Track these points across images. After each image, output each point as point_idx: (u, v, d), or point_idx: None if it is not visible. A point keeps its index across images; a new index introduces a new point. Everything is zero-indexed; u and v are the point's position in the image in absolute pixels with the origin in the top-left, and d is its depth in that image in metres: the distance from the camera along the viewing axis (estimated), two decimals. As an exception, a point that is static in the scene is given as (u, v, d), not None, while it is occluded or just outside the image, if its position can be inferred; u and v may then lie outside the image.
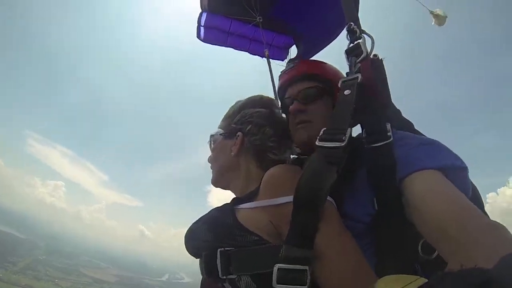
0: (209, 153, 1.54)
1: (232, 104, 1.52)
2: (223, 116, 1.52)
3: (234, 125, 1.41)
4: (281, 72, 1.56)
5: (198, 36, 2.98)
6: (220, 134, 1.46)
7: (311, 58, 2.41)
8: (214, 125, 1.52)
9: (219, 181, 1.47)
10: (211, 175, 1.48)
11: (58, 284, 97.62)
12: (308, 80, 1.42)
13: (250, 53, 3.15)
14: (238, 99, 1.53)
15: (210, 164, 1.51)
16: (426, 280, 0.66)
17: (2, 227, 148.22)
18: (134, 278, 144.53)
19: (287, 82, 1.48)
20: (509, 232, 0.74)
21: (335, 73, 1.43)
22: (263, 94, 1.52)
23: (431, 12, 2.77)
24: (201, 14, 2.86)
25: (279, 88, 1.53)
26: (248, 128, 1.38)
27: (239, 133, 1.38)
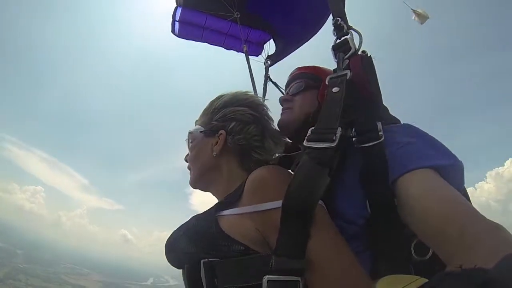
0: (186, 152, 1.45)
1: (213, 99, 1.42)
2: (202, 111, 1.43)
3: (215, 122, 1.34)
4: None
5: (173, 31, 2.97)
6: (200, 132, 1.36)
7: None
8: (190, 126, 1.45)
9: (198, 182, 1.37)
10: (190, 176, 1.39)
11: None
12: (301, 78, 1.50)
13: (226, 48, 3.14)
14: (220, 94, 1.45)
15: (187, 164, 1.42)
16: (427, 280, 0.65)
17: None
18: (118, 283, 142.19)
19: (287, 83, 1.60)
20: (508, 232, 0.73)
21: (325, 71, 1.46)
22: (248, 91, 1.46)
23: (414, 11, 2.76)
24: (176, 9, 2.85)
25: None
26: (231, 126, 1.30)
27: (221, 131, 1.30)
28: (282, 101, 1.50)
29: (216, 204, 1.13)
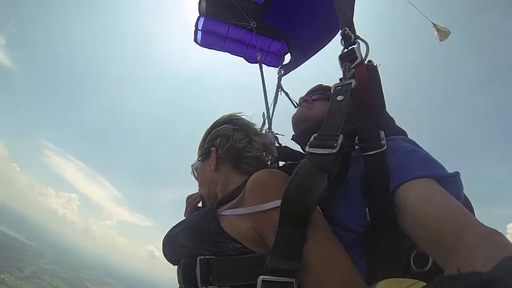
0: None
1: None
2: (197, 151, 1.60)
3: (206, 145, 1.47)
4: None
5: (195, 40, 2.99)
6: (198, 160, 1.53)
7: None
8: None
9: (213, 201, 1.37)
10: (206, 203, 1.51)
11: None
12: (321, 90, 1.63)
13: (246, 59, 3.14)
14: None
15: (202, 193, 1.54)
16: (425, 284, 0.66)
17: (10, 232, 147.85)
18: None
19: (308, 92, 1.69)
20: (505, 237, 0.74)
21: None
22: (225, 114, 1.60)
23: (434, 25, 2.69)
24: (198, 18, 2.89)
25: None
26: (218, 141, 1.42)
27: (212, 148, 1.42)
28: (302, 100, 1.61)
29: (216, 202, 1.16)
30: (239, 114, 1.55)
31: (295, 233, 0.89)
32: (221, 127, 1.47)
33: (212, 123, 1.54)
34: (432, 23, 2.69)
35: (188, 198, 1.66)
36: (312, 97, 1.59)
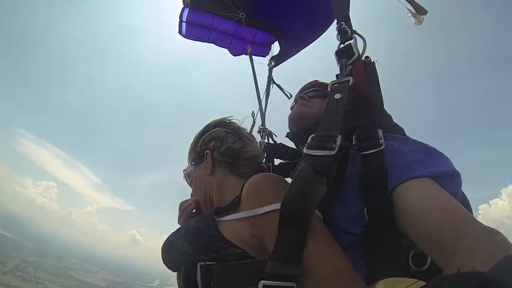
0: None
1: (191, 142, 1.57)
2: (187, 155, 1.57)
3: (199, 149, 1.46)
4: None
5: (180, 31, 2.95)
6: (191, 165, 1.50)
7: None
8: None
9: (207, 207, 1.39)
10: (203, 208, 1.46)
11: (48, 287, 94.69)
12: (317, 87, 1.58)
13: (231, 50, 3.13)
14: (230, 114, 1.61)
15: (195, 198, 1.50)
16: (424, 283, 0.66)
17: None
18: (125, 283, 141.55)
19: (302, 88, 1.64)
20: (504, 236, 0.74)
21: None
22: (216, 118, 1.59)
23: (411, 11, 2.70)
24: (183, 10, 2.83)
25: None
26: (212, 144, 1.42)
27: (206, 151, 1.41)
28: (299, 97, 1.56)
29: (214, 208, 1.16)
30: (230, 118, 1.56)
31: (295, 237, 0.90)
32: (214, 130, 1.47)
33: (202, 127, 1.54)
34: (408, 9, 2.74)
35: (182, 204, 1.54)
36: (309, 94, 1.55)
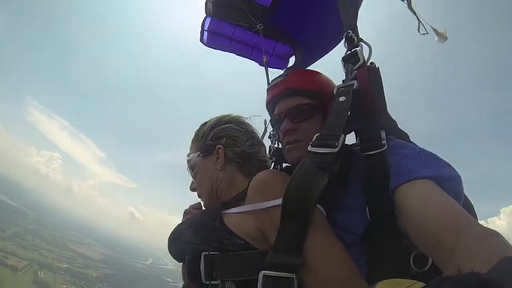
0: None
1: (198, 128, 1.54)
2: (191, 143, 1.53)
3: (210, 142, 1.43)
4: (268, 85, 1.58)
5: (202, 40, 2.99)
6: (198, 156, 1.46)
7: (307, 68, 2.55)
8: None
9: (213, 201, 1.40)
10: (202, 201, 1.48)
11: (43, 255, 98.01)
12: (298, 96, 1.42)
13: (252, 60, 3.15)
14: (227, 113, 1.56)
15: (197, 192, 1.49)
16: (424, 284, 0.67)
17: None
18: (119, 258, 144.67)
19: (275, 97, 1.50)
20: (503, 238, 0.75)
21: (326, 85, 1.46)
22: (230, 114, 1.56)
23: (434, 30, 2.69)
24: (205, 19, 2.88)
25: (267, 103, 1.57)
26: (224, 140, 1.41)
27: (219, 145, 1.40)
28: (286, 131, 1.41)
29: (221, 203, 1.20)
30: (243, 118, 1.54)
31: (296, 229, 0.92)
32: (227, 125, 1.45)
33: (212, 120, 1.51)
34: (432, 27, 2.60)
35: (186, 212, 1.52)
36: (294, 118, 1.41)
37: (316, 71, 1.56)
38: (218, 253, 1.05)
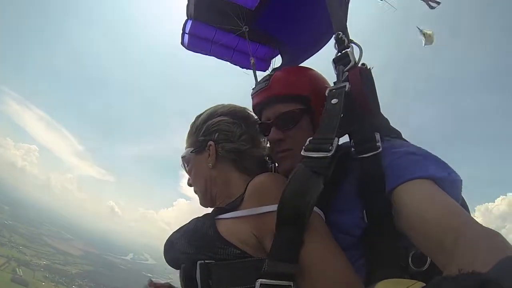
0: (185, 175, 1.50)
1: (193, 121, 1.48)
2: (186, 136, 1.49)
3: (202, 138, 1.38)
4: (252, 90, 1.50)
5: (182, 43, 2.97)
6: (191, 152, 1.42)
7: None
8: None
9: (207, 201, 1.39)
10: (199, 199, 1.43)
11: (22, 251, 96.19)
12: (284, 103, 1.36)
13: (233, 63, 3.12)
14: (212, 105, 1.50)
15: (193, 188, 1.46)
16: (424, 284, 0.67)
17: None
18: (99, 254, 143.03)
19: (260, 104, 1.43)
20: (503, 237, 0.74)
21: (314, 85, 1.38)
22: (224, 103, 1.49)
23: (422, 32, 2.77)
24: (186, 21, 2.85)
25: (253, 108, 1.50)
26: (216, 136, 1.35)
27: (210, 142, 1.35)
28: (275, 141, 1.35)
29: (216, 208, 1.19)
30: (239, 107, 1.46)
31: (292, 236, 0.90)
32: (220, 119, 1.38)
33: (206, 112, 1.44)
34: (418, 28, 2.76)
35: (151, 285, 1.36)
36: (282, 126, 1.34)
37: (303, 68, 1.53)
38: (213, 261, 1.03)
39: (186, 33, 2.92)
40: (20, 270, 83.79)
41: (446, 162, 1.06)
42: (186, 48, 3.03)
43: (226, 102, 1.47)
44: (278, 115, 1.35)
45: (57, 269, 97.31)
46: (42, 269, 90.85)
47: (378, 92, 1.19)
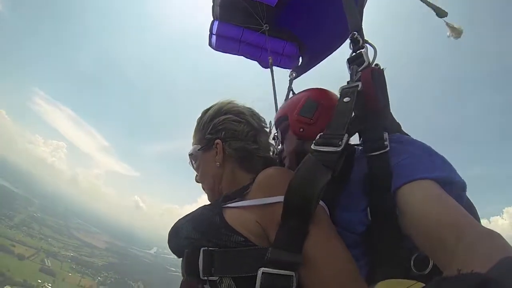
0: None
1: (199, 116, 1.48)
2: (194, 132, 1.49)
3: (209, 136, 1.37)
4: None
5: (210, 44, 2.98)
6: (198, 150, 1.42)
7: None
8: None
9: (216, 198, 1.35)
10: (207, 196, 1.44)
11: (51, 243, 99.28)
12: (277, 129, 1.62)
13: (261, 62, 3.13)
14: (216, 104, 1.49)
15: (200, 184, 1.46)
16: (424, 285, 0.67)
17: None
18: (124, 247, 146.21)
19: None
20: (504, 239, 0.75)
21: (288, 107, 1.53)
22: (231, 100, 1.48)
23: (448, 24, 2.60)
24: (212, 23, 2.86)
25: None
26: (222, 134, 1.35)
27: (217, 140, 1.34)
28: (278, 153, 1.60)
29: (222, 196, 1.18)
30: (243, 105, 1.48)
31: (298, 226, 0.92)
32: (226, 117, 1.38)
33: (213, 109, 1.44)
34: (445, 22, 2.56)
35: None
36: (281, 142, 1.59)
37: (290, 99, 1.68)
38: (217, 248, 1.02)
39: (214, 34, 2.91)
40: (48, 261, 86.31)
41: (455, 161, 1.04)
42: (214, 49, 3.02)
43: (238, 99, 1.52)
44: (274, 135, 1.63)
45: (84, 260, 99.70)
46: (69, 260, 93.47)
47: (391, 93, 1.21)
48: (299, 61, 3.05)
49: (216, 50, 3.02)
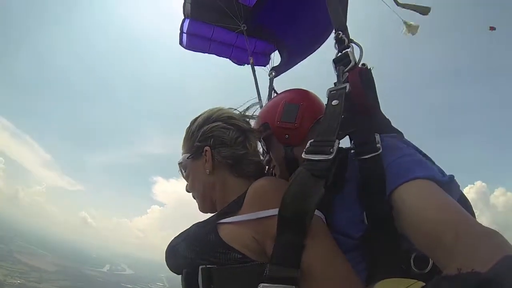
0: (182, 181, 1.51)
1: (188, 125, 1.52)
2: (183, 141, 1.48)
3: (198, 143, 1.41)
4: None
5: (181, 43, 2.89)
6: (187, 158, 1.44)
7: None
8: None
9: (207, 206, 1.39)
10: (198, 204, 1.43)
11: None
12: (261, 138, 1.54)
13: (232, 61, 3.16)
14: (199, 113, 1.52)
15: (191, 194, 1.46)
16: (424, 284, 0.69)
17: None
18: (74, 267, 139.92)
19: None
20: (503, 237, 0.75)
21: (268, 113, 1.52)
22: (221, 107, 1.53)
23: (405, 22, 2.80)
24: (183, 21, 2.80)
25: None
26: (211, 141, 1.38)
27: (206, 147, 1.37)
28: (266, 163, 1.55)
29: (217, 212, 1.19)
30: (233, 111, 1.52)
31: (294, 240, 0.92)
32: (214, 124, 1.40)
33: (202, 117, 1.46)
34: (403, 20, 2.74)
35: None
36: (267, 151, 1.54)
37: (269, 104, 1.66)
38: (215, 266, 1.03)
39: (184, 33, 2.88)
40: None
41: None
42: (185, 48, 2.99)
43: (216, 105, 1.54)
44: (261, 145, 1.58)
45: (33, 287, 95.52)
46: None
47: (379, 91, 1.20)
48: (269, 58, 3.16)
49: (187, 49, 2.97)
